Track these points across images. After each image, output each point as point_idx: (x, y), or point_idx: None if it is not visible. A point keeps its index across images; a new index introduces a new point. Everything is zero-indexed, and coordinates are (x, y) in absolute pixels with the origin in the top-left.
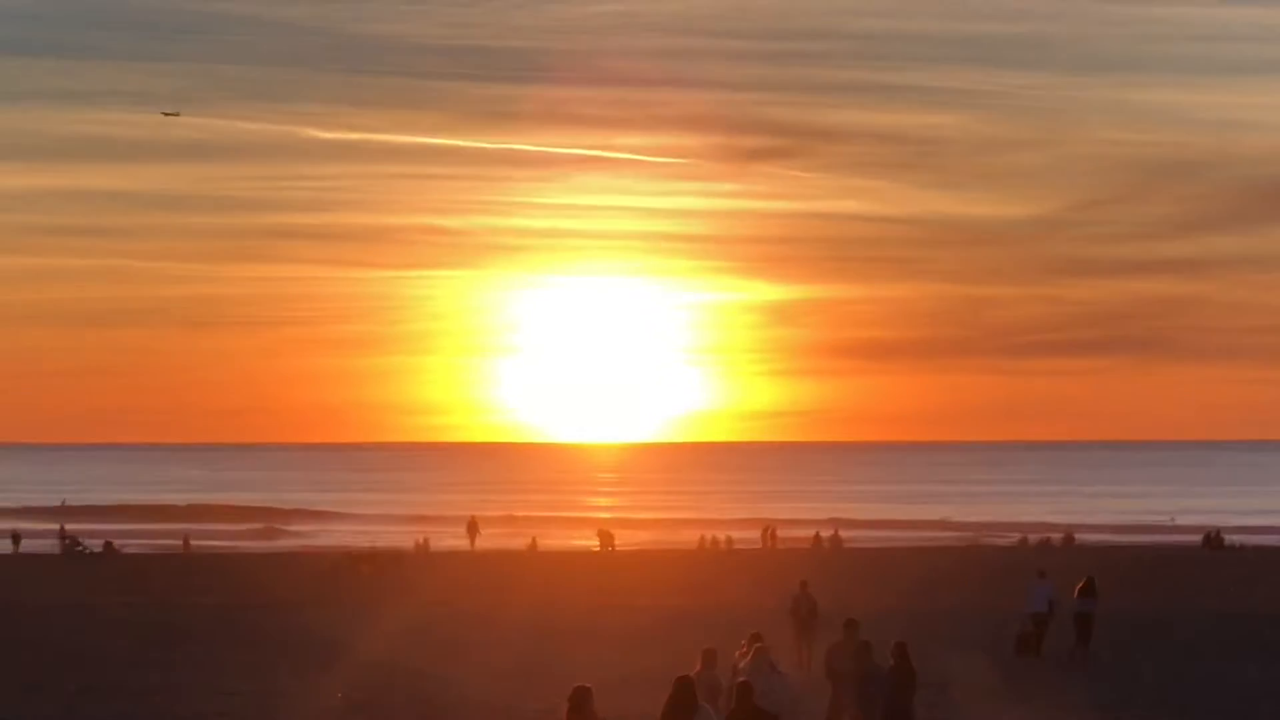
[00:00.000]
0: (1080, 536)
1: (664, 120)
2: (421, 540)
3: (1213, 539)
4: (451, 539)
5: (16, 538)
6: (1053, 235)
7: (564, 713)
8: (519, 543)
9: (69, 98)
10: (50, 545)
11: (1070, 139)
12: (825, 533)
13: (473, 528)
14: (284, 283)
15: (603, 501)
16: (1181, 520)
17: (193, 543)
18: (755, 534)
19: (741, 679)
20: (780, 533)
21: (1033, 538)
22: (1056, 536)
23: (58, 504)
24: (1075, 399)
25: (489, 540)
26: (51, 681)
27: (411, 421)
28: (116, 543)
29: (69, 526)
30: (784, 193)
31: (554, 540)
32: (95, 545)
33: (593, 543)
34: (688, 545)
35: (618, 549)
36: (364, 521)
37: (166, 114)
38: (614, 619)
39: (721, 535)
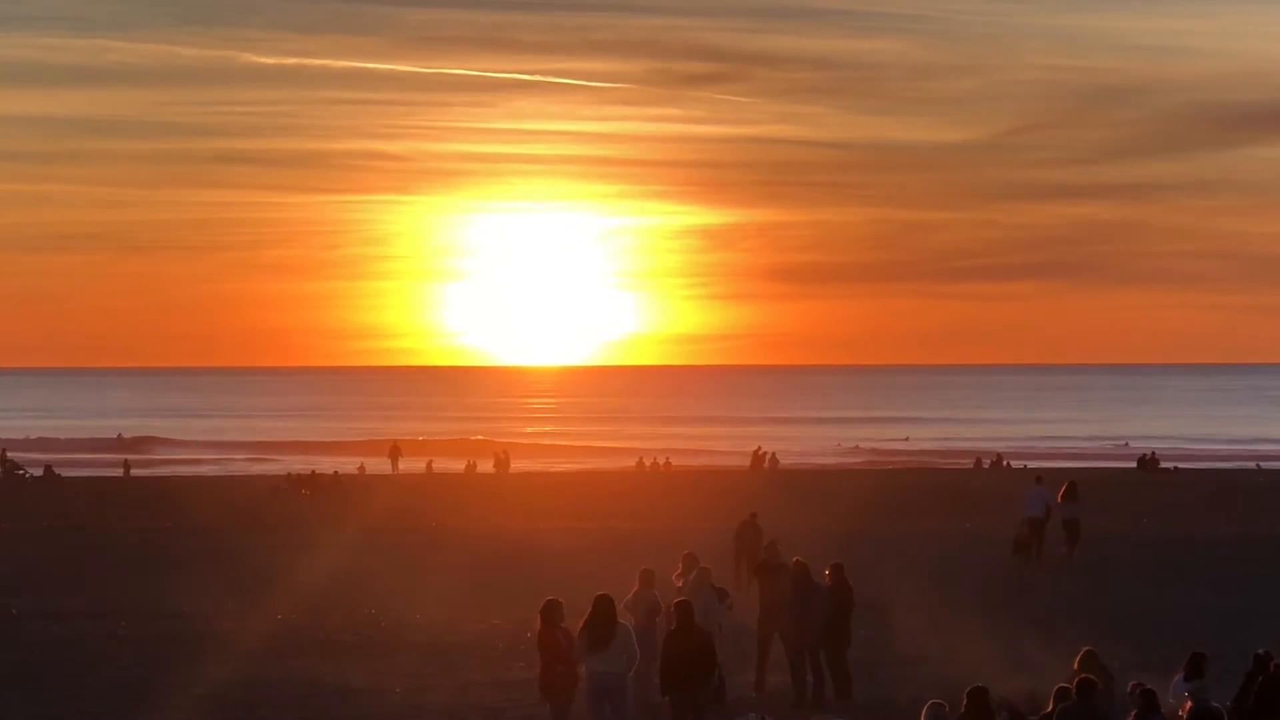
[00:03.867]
0: (1016, 461)
1: (601, 45)
2: (359, 466)
3: (1147, 462)
4: (378, 465)
5: None
6: (989, 160)
7: (536, 625)
8: (454, 466)
9: (6, 22)
10: None
11: (1006, 64)
12: (764, 452)
13: (394, 452)
14: (223, 208)
15: (540, 428)
16: (1114, 442)
17: (133, 468)
18: (691, 459)
19: (680, 598)
20: (718, 456)
21: (964, 462)
22: (987, 460)
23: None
24: (1010, 324)
25: (425, 466)
26: None
27: (351, 346)
28: (56, 468)
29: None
30: (721, 118)
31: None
32: (35, 470)
33: (555, 466)
34: (626, 468)
35: (510, 471)
36: (301, 450)
37: None
38: (554, 541)
39: (661, 459)
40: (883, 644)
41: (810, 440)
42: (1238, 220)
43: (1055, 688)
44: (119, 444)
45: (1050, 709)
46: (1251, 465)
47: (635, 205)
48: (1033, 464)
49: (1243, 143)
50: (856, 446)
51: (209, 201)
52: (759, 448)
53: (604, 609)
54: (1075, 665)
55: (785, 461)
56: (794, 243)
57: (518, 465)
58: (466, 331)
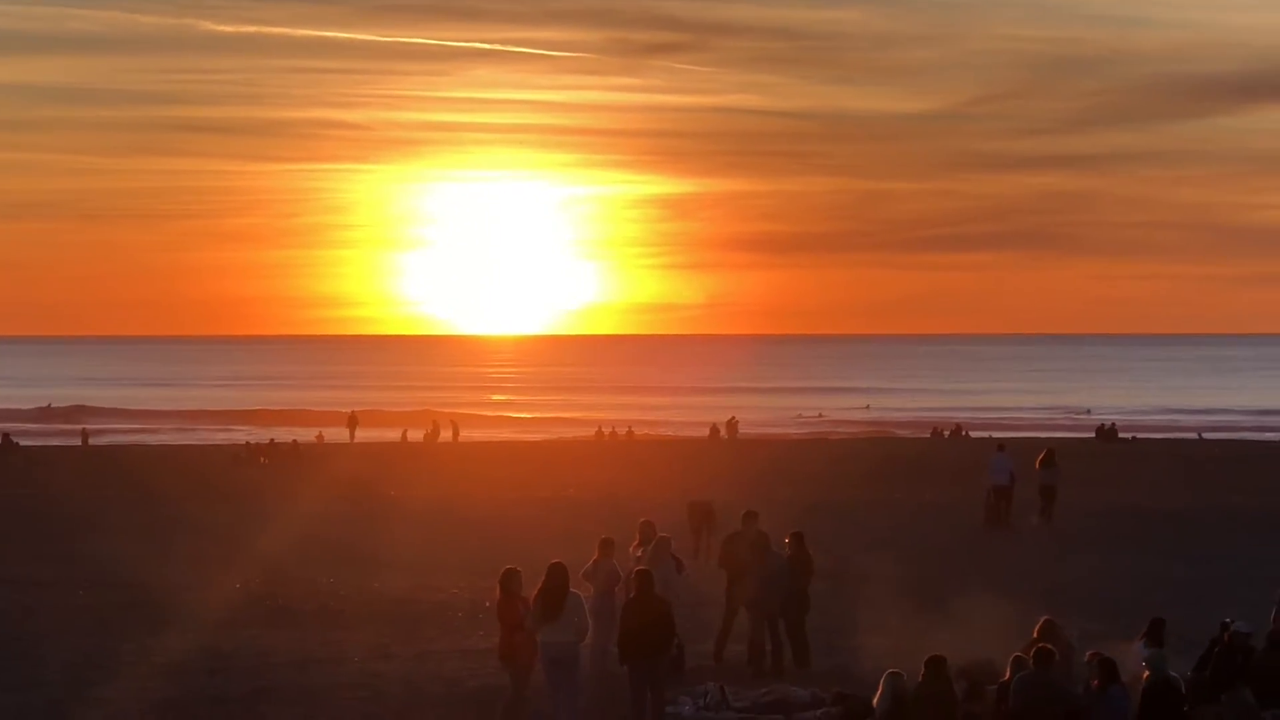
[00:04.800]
0: (976, 431)
1: (560, 14)
2: (318, 435)
3: (1106, 432)
4: (336, 434)
5: None
6: (950, 130)
7: (496, 594)
8: (402, 436)
9: None
10: None
11: (968, 34)
12: (735, 421)
13: (352, 422)
14: (182, 176)
15: (500, 397)
16: (1074, 412)
17: (91, 437)
18: (650, 429)
19: (640, 567)
20: (678, 425)
21: (924, 432)
22: (946, 430)
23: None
24: (971, 294)
25: (383, 436)
26: None
27: (310, 315)
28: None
29: None
30: (680, 87)
31: (450, 432)
32: None
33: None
34: (586, 436)
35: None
36: (259, 419)
37: None
38: (513, 510)
39: (621, 428)
40: (842, 613)
41: (770, 410)
42: (1198, 191)
43: (1012, 656)
44: (48, 414)
45: (1007, 678)
46: (1197, 436)
47: (594, 174)
48: (992, 434)
49: (1204, 114)
50: (820, 415)
51: (168, 170)
52: (732, 417)
53: (557, 578)
54: (1035, 634)
55: (746, 431)
56: (754, 212)
57: (479, 434)
58: (425, 300)
